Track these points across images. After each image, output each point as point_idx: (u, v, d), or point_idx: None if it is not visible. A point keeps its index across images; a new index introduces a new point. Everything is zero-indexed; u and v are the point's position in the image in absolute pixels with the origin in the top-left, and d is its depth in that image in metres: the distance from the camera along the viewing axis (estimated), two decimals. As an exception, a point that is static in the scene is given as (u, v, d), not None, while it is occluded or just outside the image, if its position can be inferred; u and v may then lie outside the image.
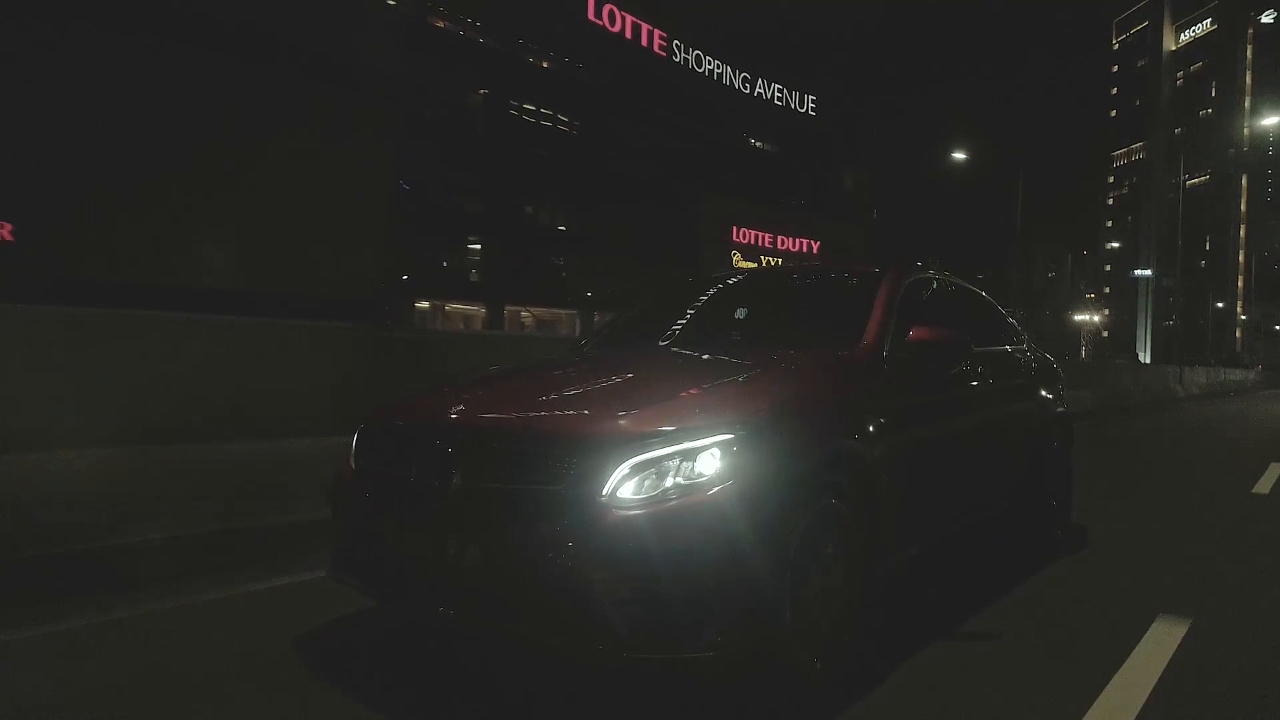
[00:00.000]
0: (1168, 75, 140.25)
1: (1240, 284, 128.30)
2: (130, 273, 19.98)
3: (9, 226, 18.96)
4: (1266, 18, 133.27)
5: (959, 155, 33.80)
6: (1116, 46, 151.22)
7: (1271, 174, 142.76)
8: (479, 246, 29.89)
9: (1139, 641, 3.40)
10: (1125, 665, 3.15)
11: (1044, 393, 5.36)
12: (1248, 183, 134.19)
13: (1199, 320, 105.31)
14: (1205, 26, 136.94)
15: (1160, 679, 3.02)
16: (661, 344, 4.21)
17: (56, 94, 18.95)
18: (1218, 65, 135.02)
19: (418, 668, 3.11)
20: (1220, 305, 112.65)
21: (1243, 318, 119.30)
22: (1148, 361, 73.96)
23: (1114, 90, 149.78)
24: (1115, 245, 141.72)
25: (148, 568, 4.03)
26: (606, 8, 30.82)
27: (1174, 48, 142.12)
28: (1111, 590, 4.24)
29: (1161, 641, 3.42)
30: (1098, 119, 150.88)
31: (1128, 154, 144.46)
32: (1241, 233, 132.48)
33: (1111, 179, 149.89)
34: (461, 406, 3.14)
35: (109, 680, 2.86)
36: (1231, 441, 13.57)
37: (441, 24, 27.84)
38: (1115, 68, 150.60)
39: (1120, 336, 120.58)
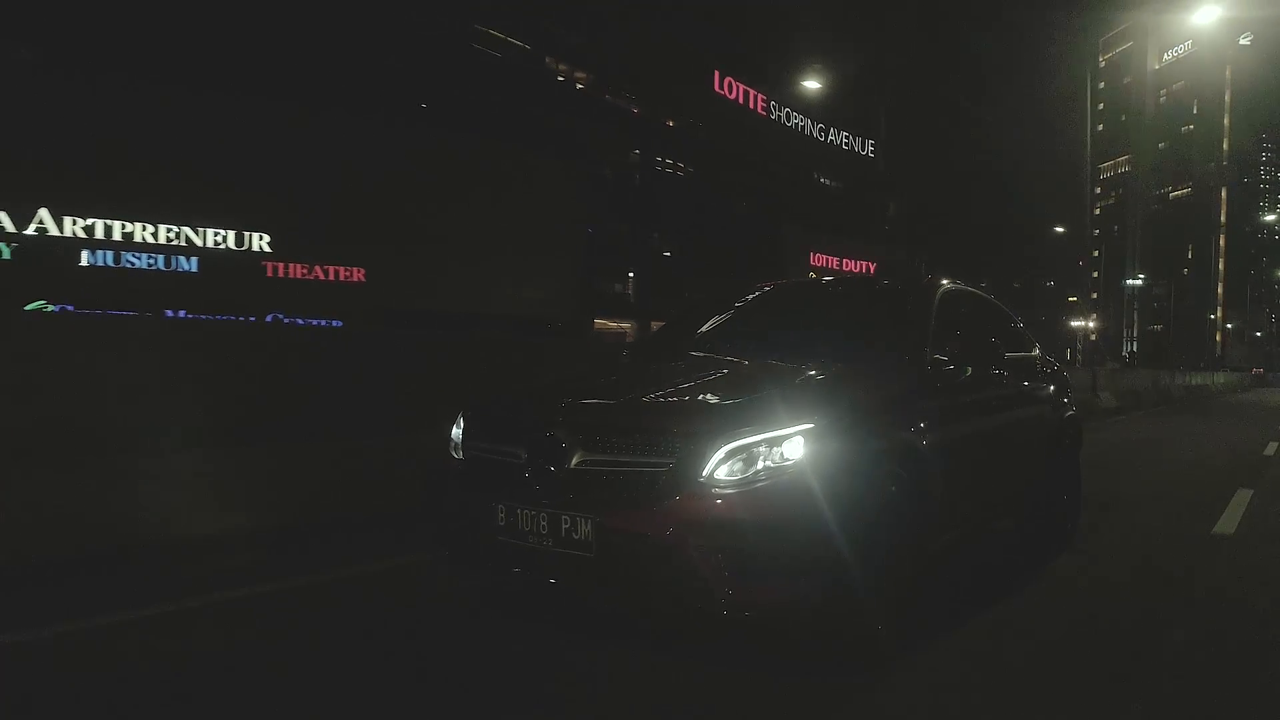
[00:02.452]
0: (1151, 93, 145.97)
1: (1220, 291, 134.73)
2: (436, 305, 26.85)
3: (362, 271, 25.97)
4: (1244, 40, 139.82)
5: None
6: (1103, 64, 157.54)
7: (1248, 180, 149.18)
8: (631, 275, 37.14)
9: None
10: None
11: (1057, 397, 5.71)
12: (1227, 195, 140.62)
13: (1184, 325, 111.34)
14: (1187, 47, 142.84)
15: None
16: (731, 347, 4.52)
17: (375, 177, 25.62)
18: (1199, 84, 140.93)
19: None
20: (1212, 317, 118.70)
21: (1229, 326, 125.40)
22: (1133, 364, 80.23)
23: (1100, 106, 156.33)
24: (1097, 253, 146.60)
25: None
26: (726, 79, 38.21)
27: (1157, 67, 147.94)
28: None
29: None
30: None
31: (1114, 166, 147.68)
32: (1221, 242, 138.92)
33: (1099, 189, 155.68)
34: (569, 400, 3.54)
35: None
36: (1257, 413, 22.60)
37: (608, 97, 35.05)
38: (1102, 84, 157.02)
39: (1108, 341, 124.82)
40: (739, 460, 2.95)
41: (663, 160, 38.29)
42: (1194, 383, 32.63)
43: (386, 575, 4.38)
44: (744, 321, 5.08)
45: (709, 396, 3.45)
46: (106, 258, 22.50)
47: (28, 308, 17.61)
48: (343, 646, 3.30)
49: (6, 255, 21.28)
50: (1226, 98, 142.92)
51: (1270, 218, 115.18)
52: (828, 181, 48.82)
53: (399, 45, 26.88)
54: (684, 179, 39.95)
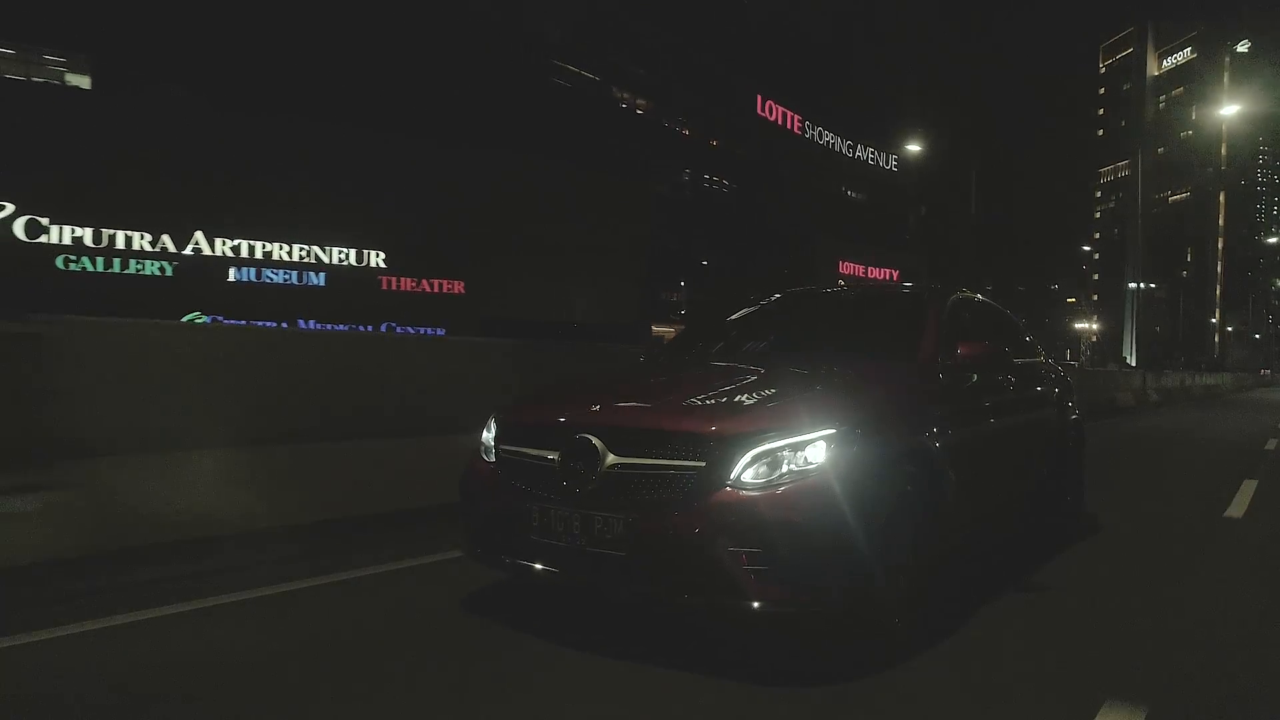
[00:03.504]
0: (1151, 99, 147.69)
1: (1219, 293, 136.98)
2: (522, 313, 29.80)
3: (462, 283, 29.01)
4: (1241, 47, 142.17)
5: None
6: (1103, 71, 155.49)
7: (1245, 183, 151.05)
8: (683, 284, 40.24)
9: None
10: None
11: (1062, 400, 5.92)
12: (1225, 199, 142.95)
13: (1181, 327, 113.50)
14: (1186, 55, 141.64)
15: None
16: (751, 353, 4.86)
17: (472, 200, 28.64)
18: (1197, 91, 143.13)
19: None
20: (1213, 321, 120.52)
21: (1229, 329, 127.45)
22: (1134, 365, 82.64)
23: (1101, 111, 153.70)
24: (1098, 256, 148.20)
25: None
26: (768, 103, 41.42)
27: (1157, 73, 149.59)
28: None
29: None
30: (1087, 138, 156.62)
31: (1114, 171, 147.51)
32: (1220, 245, 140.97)
33: (1099, 194, 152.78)
34: (599, 404, 3.63)
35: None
36: (1266, 406, 26.86)
37: (667, 124, 38.17)
38: (1102, 90, 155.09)
39: (1108, 342, 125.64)
40: (765, 463, 3.08)
41: (710, 178, 41.43)
42: (1208, 383, 36.68)
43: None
44: (762, 328, 5.33)
45: (735, 402, 3.52)
46: (249, 274, 25.59)
47: (184, 318, 20.55)
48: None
49: (169, 272, 24.31)
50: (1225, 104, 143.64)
51: (1272, 240, 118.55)
52: (854, 194, 51.98)
53: (490, 83, 29.99)
54: (727, 194, 43.09)
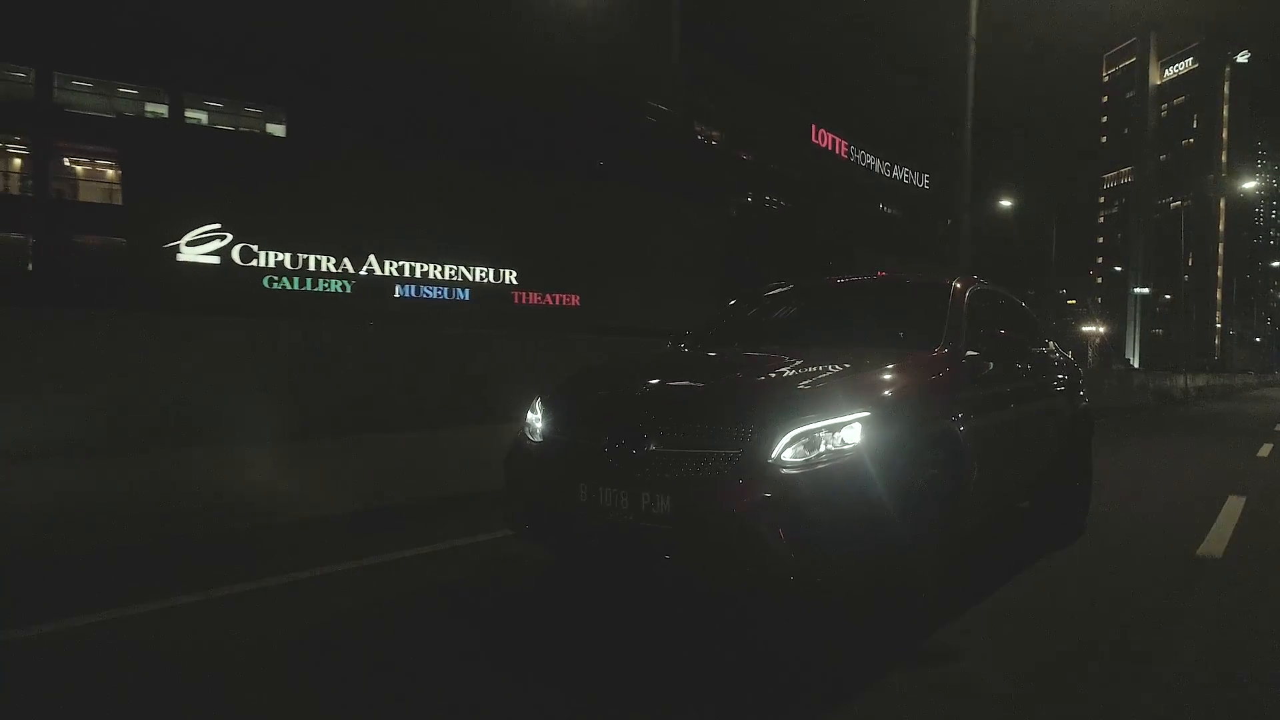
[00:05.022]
0: (1153, 107, 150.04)
1: (1219, 296, 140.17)
2: (625, 321, 34.14)
3: (578, 297, 33.48)
4: (1241, 58, 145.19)
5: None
6: (1106, 79, 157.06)
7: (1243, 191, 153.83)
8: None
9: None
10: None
11: (1072, 389, 6.09)
12: (1225, 205, 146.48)
13: (1184, 330, 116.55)
14: (1187, 64, 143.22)
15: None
16: (783, 340, 5.01)
17: (584, 225, 33.09)
18: (1198, 99, 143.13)
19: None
20: (1218, 326, 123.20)
21: (1230, 333, 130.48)
22: (1137, 366, 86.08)
23: (1104, 119, 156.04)
24: (1101, 260, 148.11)
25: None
26: (820, 131, 45.96)
27: (1159, 82, 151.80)
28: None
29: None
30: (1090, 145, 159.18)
31: (1117, 177, 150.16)
32: (1220, 250, 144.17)
33: (1102, 199, 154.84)
34: (644, 386, 3.83)
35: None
36: (1274, 400, 33.00)
37: (734, 152, 42.71)
38: (1105, 98, 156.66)
39: (1112, 344, 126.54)
40: (803, 444, 3.25)
41: (769, 199, 45.97)
42: (1224, 382, 42.08)
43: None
44: (793, 316, 5.56)
45: (775, 385, 3.64)
46: (411, 290, 30.07)
47: (359, 329, 24.93)
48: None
49: (348, 290, 28.78)
50: (1225, 112, 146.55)
51: (1276, 263, 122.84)
52: (891, 210, 56.53)
53: (596, 123, 34.54)
54: (782, 212, 47.58)
